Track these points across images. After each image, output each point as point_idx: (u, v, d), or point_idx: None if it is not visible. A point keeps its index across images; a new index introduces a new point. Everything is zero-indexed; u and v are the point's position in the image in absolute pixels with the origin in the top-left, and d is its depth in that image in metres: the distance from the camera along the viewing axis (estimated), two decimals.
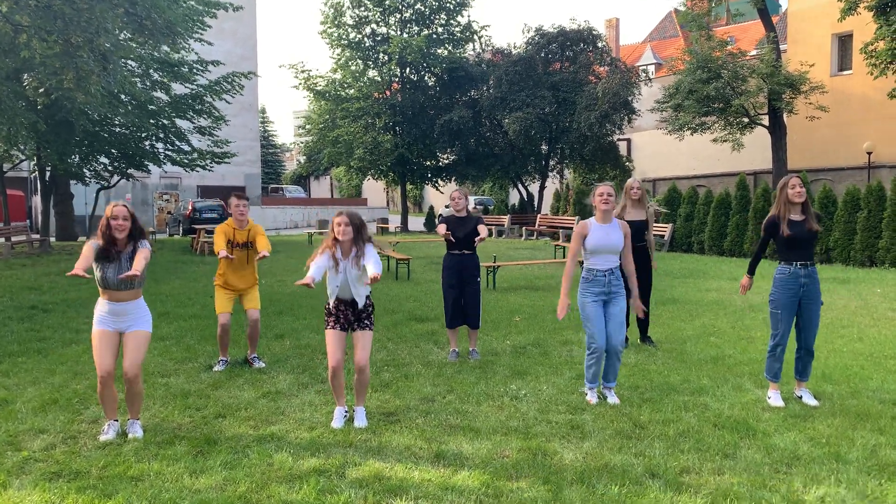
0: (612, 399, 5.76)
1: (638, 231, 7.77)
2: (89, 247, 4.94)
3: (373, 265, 5.10)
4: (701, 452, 4.62)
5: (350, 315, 5.32)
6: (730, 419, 5.28)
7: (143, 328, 5.11)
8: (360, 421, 5.24)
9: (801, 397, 5.81)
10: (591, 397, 5.77)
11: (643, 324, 8.04)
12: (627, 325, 7.96)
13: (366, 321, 5.35)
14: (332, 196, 65.44)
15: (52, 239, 23.52)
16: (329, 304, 5.35)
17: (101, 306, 5.04)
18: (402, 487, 4.09)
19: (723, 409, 5.55)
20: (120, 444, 4.88)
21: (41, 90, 14.65)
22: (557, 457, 4.56)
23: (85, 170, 22.79)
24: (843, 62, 27.79)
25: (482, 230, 7.16)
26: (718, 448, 4.69)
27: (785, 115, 24.33)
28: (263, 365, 7.06)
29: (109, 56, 12.88)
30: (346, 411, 5.39)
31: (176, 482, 4.21)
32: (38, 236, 22.37)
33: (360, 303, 5.30)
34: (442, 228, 7.23)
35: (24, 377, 6.65)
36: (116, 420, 5.13)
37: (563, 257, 16.87)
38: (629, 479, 4.17)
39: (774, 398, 5.72)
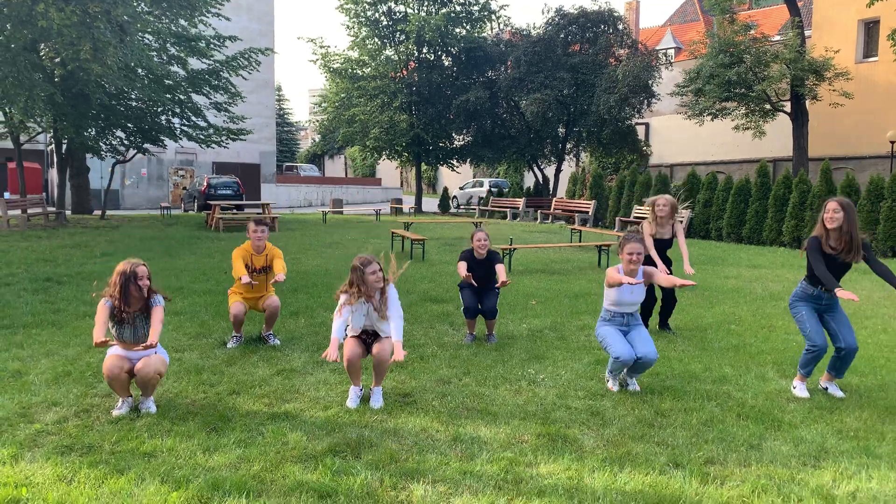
0: (633, 386, 5.64)
1: (663, 248, 7.70)
2: (103, 307, 4.87)
3: (395, 322, 5.10)
4: (725, 443, 4.50)
5: (370, 340, 5.34)
6: (754, 409, 5.15)
7: (160, 354, 5.06)
8: (377, 401, 5.15)
9: (826, 389, 5.66)
10: (613, 385, 5.65)
11: (666, 310, 7.92)
12: (650, 315, 7.90)
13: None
14: (346, 175, 65.33)
15: (68, 212, 23.54)
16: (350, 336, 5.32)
17: (118, 349, 4.99)
18: (419, 471, 4.00)
19: (746, 398, 5.42)
20: (133, 419, 4.82)
21: (57, 60, 14.52)
22: (578, 443, 4.46)
23: (101, 143, 22.73)
24: (869, 49, 27.27)
25: (501, 273, 6.99)
26: (743, 439, 4.57)
27: (808, 102, 23.92)
28: (278, 342, 6.98)
29: (127, 27, 12.71)
30: (361, 389, 5.30)
31: (189, 459, 4.14)
32: (53, 209, 22.41)
33: (384, 335, 5.27)
34: (462, 268, 7.10)
35: (38, 349, 6.61)
36: (130, 395, 5.07)
37: (579, 241, 16.71)
38: (653, 469, 4.05)
39: (800, 389, 5.58)
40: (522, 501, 3.68)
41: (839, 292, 4.99)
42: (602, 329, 5.69)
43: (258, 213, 23.05)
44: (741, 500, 3.74)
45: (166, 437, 4.48)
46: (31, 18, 12.97)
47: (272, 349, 6.74)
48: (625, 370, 5.70)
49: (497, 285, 7.01)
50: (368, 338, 5.32)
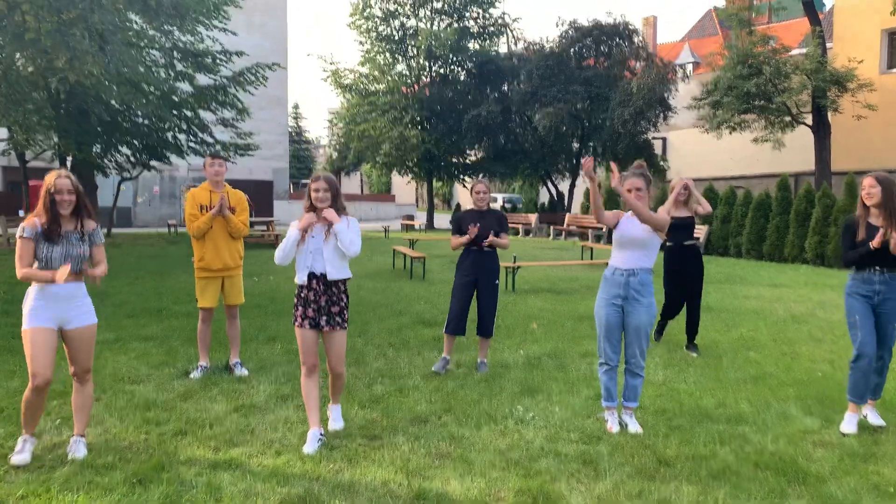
0: (634, 427, 4.92)
1: (686, 228, 7.20)
2: (26, 243, 4.23)
3: (348, 243, 4.55)
4: (739, 502, 3.78)
5: (321, 300, 4.58)
6: (774, 456, 4.42)
7: (88, 322, 4.41)
8: (337, 422, 4.61)
9: (866, 416, 4.99)
10: (612, 424, 4.93)
11: (692, 329, 7.33)
12: (661, 334, 7.31)
13: (337, 318, 4.61)
14: (361, 192, 65.01)
15: None
16: (298, 284, 4.65)
17: (36, 294, 4.27)
18: None
19: (766, 442, 4.69)
20: (54, 465, 4.19)
21: (30, 69, 14.11)
22: (563, 503, 3.76)
23: (106, 160, 22.36)
24: (893, 59, 26.40)
25: (504, 238, 6.55)
26: (761, 496, 3.85)
27: (830, 114, 23.08)
28: (245, 373, 6.33)
29: (107, 36, 12.23)
30: (322, 434, 4.64)
31: None
32: None
33: (331, 275, 4.57)
34: (455, 240, 6.58)
35: None
36: (33, 435, 4.41)
37: (591, 258, 16.03)
38: None
39: (848, 422, 4.89)
40: None
41: (876, 239, 4.76)
42: (601, 310, 4.97)
43: (263, 230, 22.55)
44: None
45: (81, 491, 3.84)
46: (20, 32, 12.56)
47: (237, 381, 6.09)
48: (620, 401, 5.05)
49: (499, 242, 6.50)
50: (319, 305, 4.60)
